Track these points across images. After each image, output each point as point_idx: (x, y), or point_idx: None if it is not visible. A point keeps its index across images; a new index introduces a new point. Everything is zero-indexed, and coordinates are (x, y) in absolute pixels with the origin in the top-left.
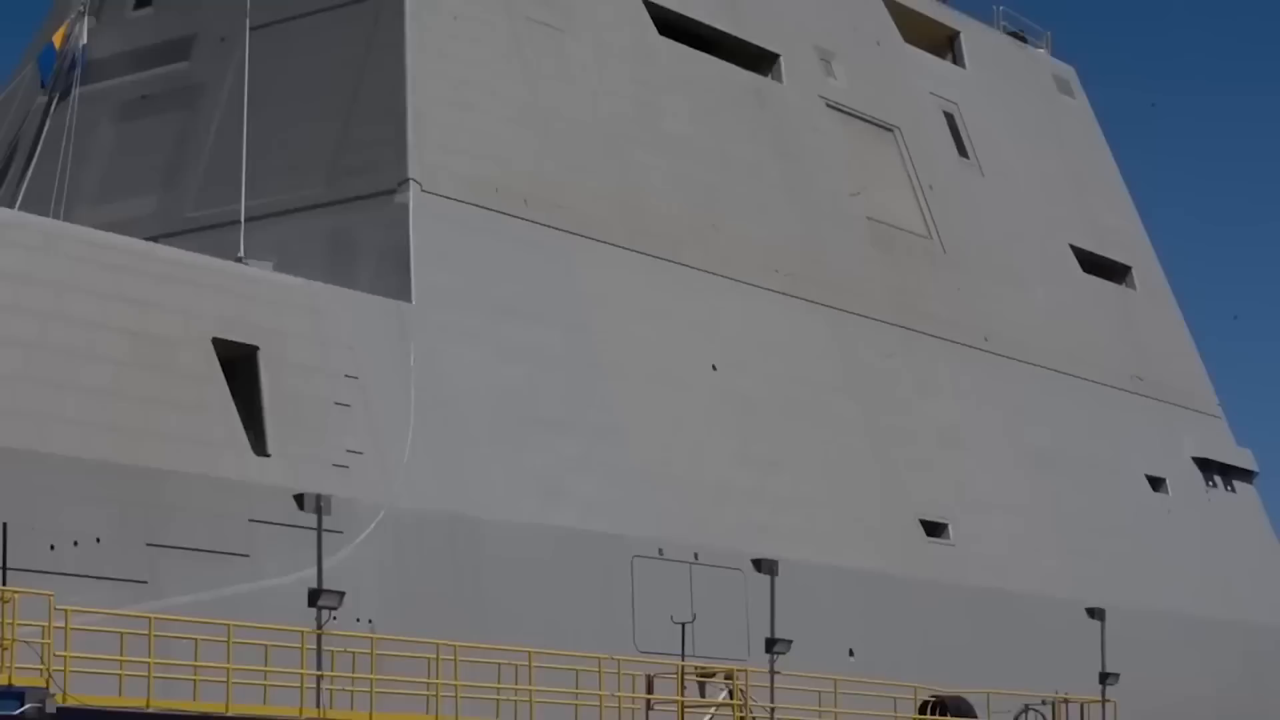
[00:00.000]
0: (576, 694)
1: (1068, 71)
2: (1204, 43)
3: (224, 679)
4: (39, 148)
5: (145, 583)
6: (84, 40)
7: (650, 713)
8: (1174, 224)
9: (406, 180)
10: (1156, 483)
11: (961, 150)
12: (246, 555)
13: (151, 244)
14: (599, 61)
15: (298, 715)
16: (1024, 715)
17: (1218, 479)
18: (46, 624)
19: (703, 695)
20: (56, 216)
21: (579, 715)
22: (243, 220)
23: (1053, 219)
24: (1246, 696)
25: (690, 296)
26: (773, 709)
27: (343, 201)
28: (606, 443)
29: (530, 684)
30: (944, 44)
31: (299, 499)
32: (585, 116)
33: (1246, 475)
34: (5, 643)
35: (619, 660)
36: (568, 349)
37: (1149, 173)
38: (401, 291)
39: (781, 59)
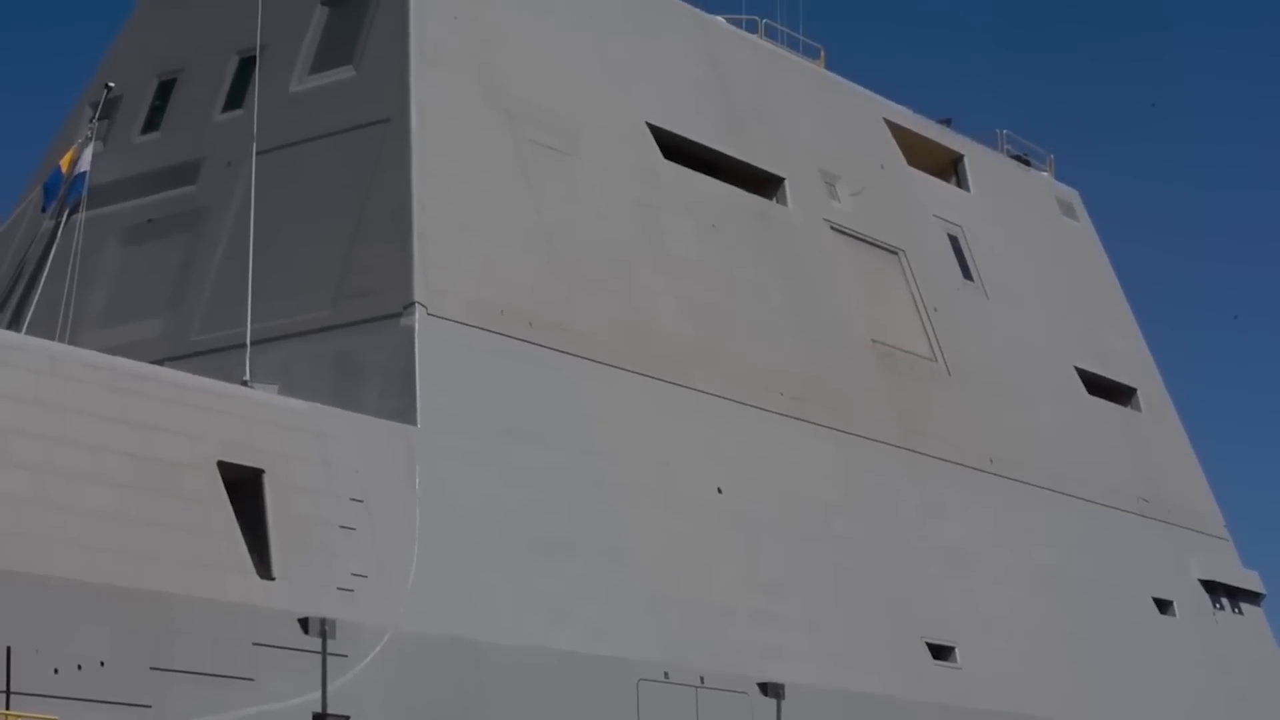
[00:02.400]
0: None
1: (1071, 194)
2: (1205, 156)
3: None
4: (45, 271)
5: (149, 706)
6: (86, 165)
7: None
8: (1177, 340)
9: (412, 304)
10: (1164, 605)
11: (966, 273)
12: (251, 679)
13: (157, 367)
14: (604, 185)
15: None
16: None
17: (1225, 601)
18: None
19: None
20: (62, 340)
21: None
22: (248, 343)
23: (1057, 341)
24: None
25: (695, 419)
26: None
27: (348, 325)
28: (612, 566)
29: None
30: (948, 167)
31: (304, 623)
32: (590, 239)
33: (1254, 598)
34: None
35: None
36: (573, 472)
37: (1150, 287)
38: (407, 415)
39: (786, 182)
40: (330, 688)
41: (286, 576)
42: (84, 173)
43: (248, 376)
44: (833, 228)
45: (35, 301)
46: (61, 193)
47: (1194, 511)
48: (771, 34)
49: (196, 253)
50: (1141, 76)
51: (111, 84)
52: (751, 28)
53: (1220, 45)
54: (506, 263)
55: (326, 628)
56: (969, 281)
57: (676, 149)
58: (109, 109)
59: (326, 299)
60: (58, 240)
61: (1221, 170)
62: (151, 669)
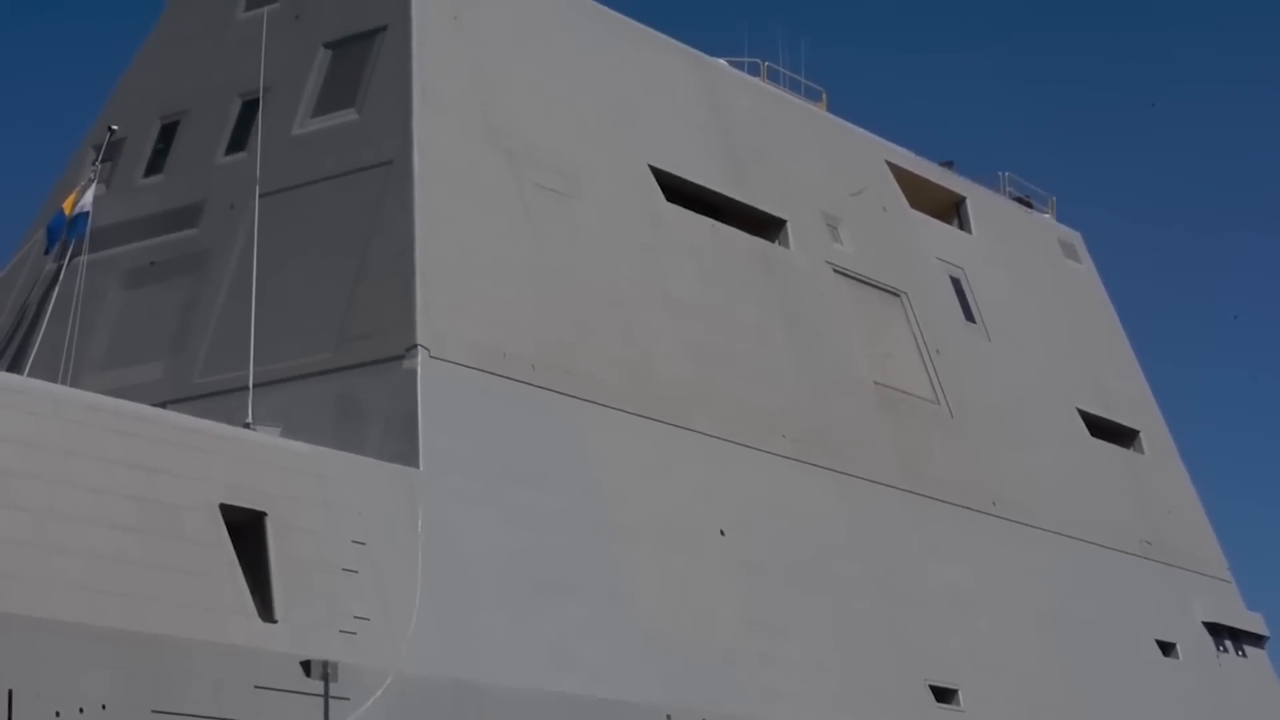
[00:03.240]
0: None
1: (1073, 236)
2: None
3: None
4: (47, 314)
5: None
6: (88, 206)
7: None
8: (1181, 383)
9: (415, 346)
10: (1167, 648)
11: (968, 315)
12: None
13: (159, 410)
14: (607, 228)
15: None
16: None
17: (1228, 644)
18: None
19: None
20: (65, 382)
21: None
22: (250, 386)
23: (1060, 383)
24: None
25: (698, 461)
26: None
27: (351, 367)
28: (614, 608)
29: None
30: (950, 209)
31: (306, 665)
32: (593, 282)
33: (1258, 640)
34: None
35: None
36: (576, 514)
37: (1155, 333)
38: (409, 457)
39: (788, 224)
40: None
41: (289, 619)
42: (85, 212)
43: (250, 419)
44: (835, 270)
45: (38, 344)
46: (63, 235)
47: (1197, 554)
48: (773, 76)
49: (199, 295)
50: (1143, 116)
51: (114, 126)
52: (754, 70)
53: (1221, 79)
54: (509, 305)
55: (329, 670)
56: (971, 323)
57: (678, 191)
58: (112, 151)
59: (329, 341)
60: (60, 283)
61: (1226, 209)
62: (154, 712)
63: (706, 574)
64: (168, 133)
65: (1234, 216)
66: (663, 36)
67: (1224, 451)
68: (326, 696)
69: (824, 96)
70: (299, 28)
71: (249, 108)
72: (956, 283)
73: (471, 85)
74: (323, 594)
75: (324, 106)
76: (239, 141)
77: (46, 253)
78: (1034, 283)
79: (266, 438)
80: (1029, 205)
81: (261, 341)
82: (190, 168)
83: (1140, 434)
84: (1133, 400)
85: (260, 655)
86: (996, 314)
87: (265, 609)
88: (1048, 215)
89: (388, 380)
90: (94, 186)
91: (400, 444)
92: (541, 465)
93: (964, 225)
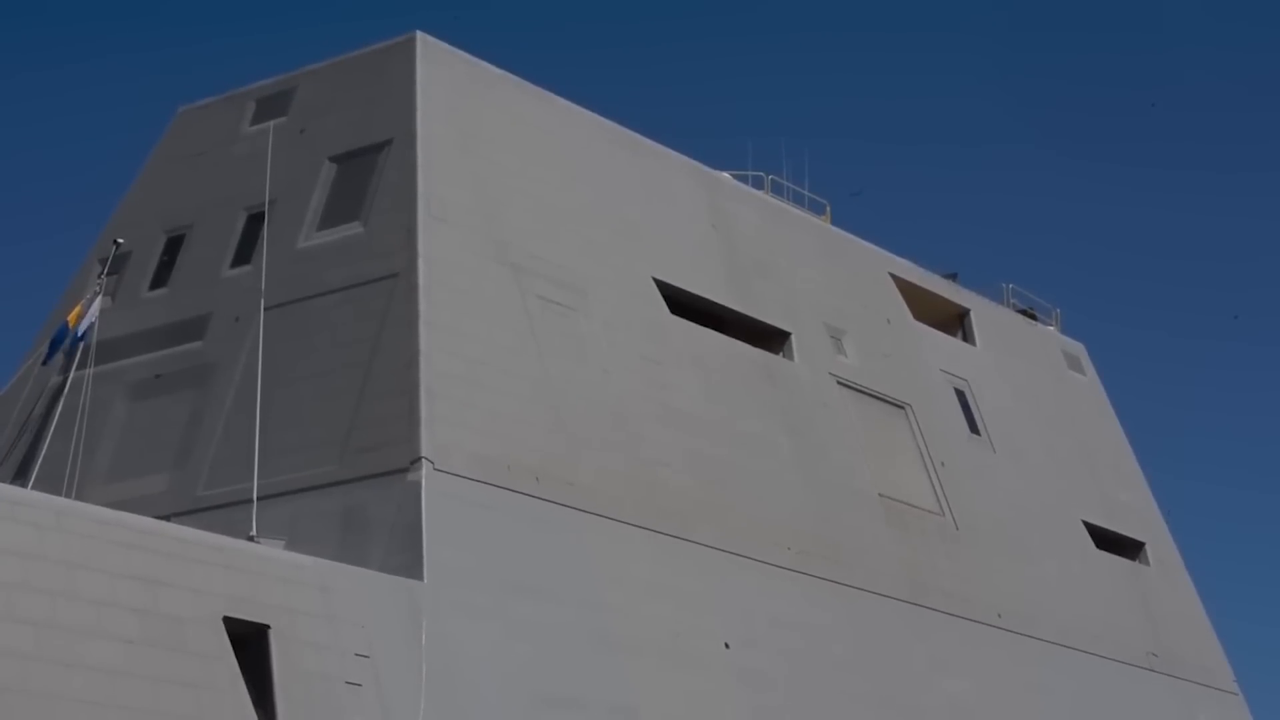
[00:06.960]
0: None
1: (1077, 348)
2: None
3: None
4: (52, 427)
5: None
6: (93, 319)
7: None
8: (1189, 497)
9: (419, 459)
10: None
11: (973, 427)
12: None
13: (162, 522)
14: (610, 340)
15: None
16: None
17: None
18: None
19: None
20: (69, 495)
21: None
22: (255, 499)
23: (1065, 495)
24: None
25: (702, 573)
26: None
27: (355, 480)
28: None
29: None
30: (954, 321)
31: None
32: (597, 394)
33: None
34: None
35: None
36: (580, 627)
37: (1162, 445)
38: (413, 570)
39: (792, 337)
40: None
41: None
42: (90, 324)
43: (254, 532)
44: (839, 382)
45: (42, 457)
46: (65, 348)
47: (1204, 666)
48: (777, 189)
49: (204, 408)
50: (1145, 227)
51: (120, 240)
52: (757, 183)
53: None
54: (513, 417)
55: None
56: (975, 436)
57: (682, 304)
58: (117, 265)
59: (334, 455)
60: (65, 395)
61: (1230, 318)
62: None
63: (710, 687)
64: (173, 246)
65: (1242, 323)
66: (667, 150)
67: (1230, 565)
68: None
69: (827, 209)
70: (304, 142)
71: (254, 221)
72: (961, 395)
73: (476, 199)
74: (326, 707)
75: (329, 220)
76: (244, 255)
77: (45, 363)
78: (1038, 395)
79: (270, 550)
80: (1033, 317)
81: (266, 454)
82: (195, 281)
83: (1146, 546)
84: (1138, 512)
85: None
86: (1001, 426)
87: None
88: (1052, 327)
89: (392, 493)
90: (99, 300)
91: (404, 556)
92: (545, 578)
93: (968, 337)
